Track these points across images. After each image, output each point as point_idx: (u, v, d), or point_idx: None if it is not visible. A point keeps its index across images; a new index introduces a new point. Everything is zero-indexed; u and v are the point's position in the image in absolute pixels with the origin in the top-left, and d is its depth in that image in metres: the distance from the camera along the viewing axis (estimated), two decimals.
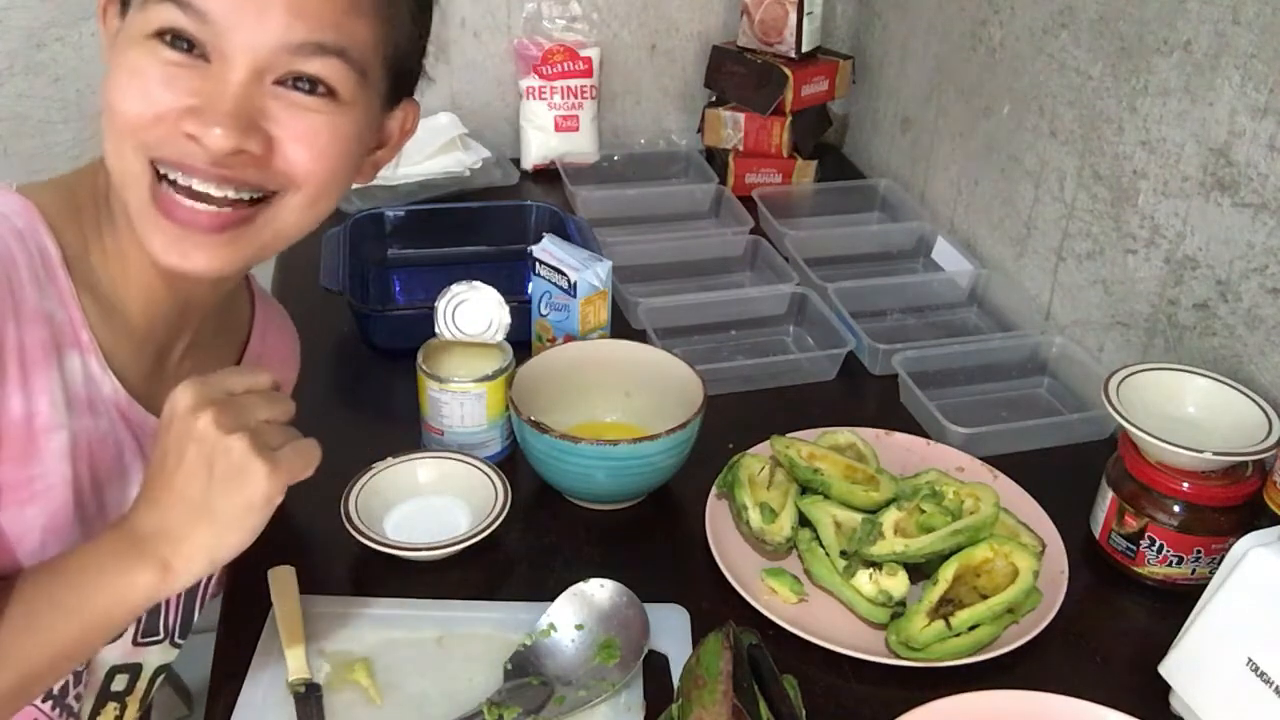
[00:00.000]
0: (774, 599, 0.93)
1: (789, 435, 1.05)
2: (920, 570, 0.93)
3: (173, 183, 0.67)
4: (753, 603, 0.91)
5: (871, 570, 0.90)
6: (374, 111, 0.74)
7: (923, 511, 0.95)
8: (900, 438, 1.11)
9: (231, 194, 0.68)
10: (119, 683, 0.85)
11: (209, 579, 0.90)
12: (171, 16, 0.65)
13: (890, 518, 0.94)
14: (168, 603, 0.86)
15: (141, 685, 0.87)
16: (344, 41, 0.67)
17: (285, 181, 0.69)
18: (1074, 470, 1.08)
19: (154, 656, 0.87)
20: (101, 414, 0.73)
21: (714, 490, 1.02)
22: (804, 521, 0.98)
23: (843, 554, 0.94)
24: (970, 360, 1.25)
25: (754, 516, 0.96)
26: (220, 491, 0.65)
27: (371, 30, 0.69)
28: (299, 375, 1.03)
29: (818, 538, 0.96)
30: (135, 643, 0.85)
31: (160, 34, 0.65)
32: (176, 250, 0.68)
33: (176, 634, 0.89)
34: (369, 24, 0.69)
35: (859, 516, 0.96)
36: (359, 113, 0.71)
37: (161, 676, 0.90)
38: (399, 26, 0.72)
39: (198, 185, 0.67)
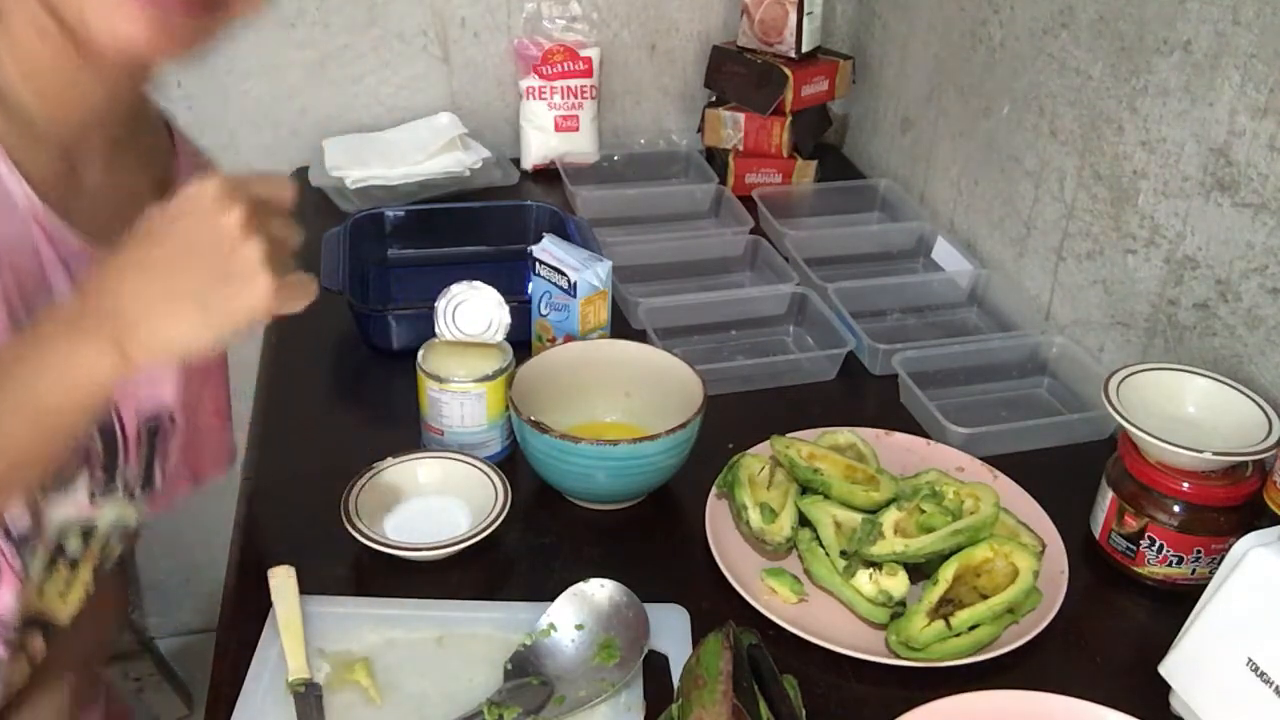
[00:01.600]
0: (774, 599, 0.93)
1: (789, 435, 1.05)
2: (920, 570, 0.93)
3: None
4: (753, 603, 0.91)
5: (871, 570, 0.90)
6: None
7: (923, 511, 0.95)
8: (900, 438, 1.11)
9: None
10: (72, 545, 0.81)
11: (167, 437, 0.87)
12: None
13: (890, 518, 0.93)
14: (126, 455, 0.83)
15: (95, 546, 0.83)
16: None
17: None
18: (1074, 470, 1.08)
19: (109, 514, 0.83)
20: (16, 220, 0.70)
21: (714, 490, 1.02)
22: (804, 521, 0.98)
23: (843, 554, 0.93)
24: (970, 360, 1.25)
25: (754, 516, 0.96)
26: (218, 288, 0.62)
27: None
28: (303, 376, 1.02)
29: (818, 538, 0.96)
30: (91, 500, 0.81)
31: None
32: (142, 29, 0.66)
33: (137, 490, 0.85)
34: None
35: (859, 516, 0.96)
36: None
37: (119, 545, 0.86)
38: None
39: None
